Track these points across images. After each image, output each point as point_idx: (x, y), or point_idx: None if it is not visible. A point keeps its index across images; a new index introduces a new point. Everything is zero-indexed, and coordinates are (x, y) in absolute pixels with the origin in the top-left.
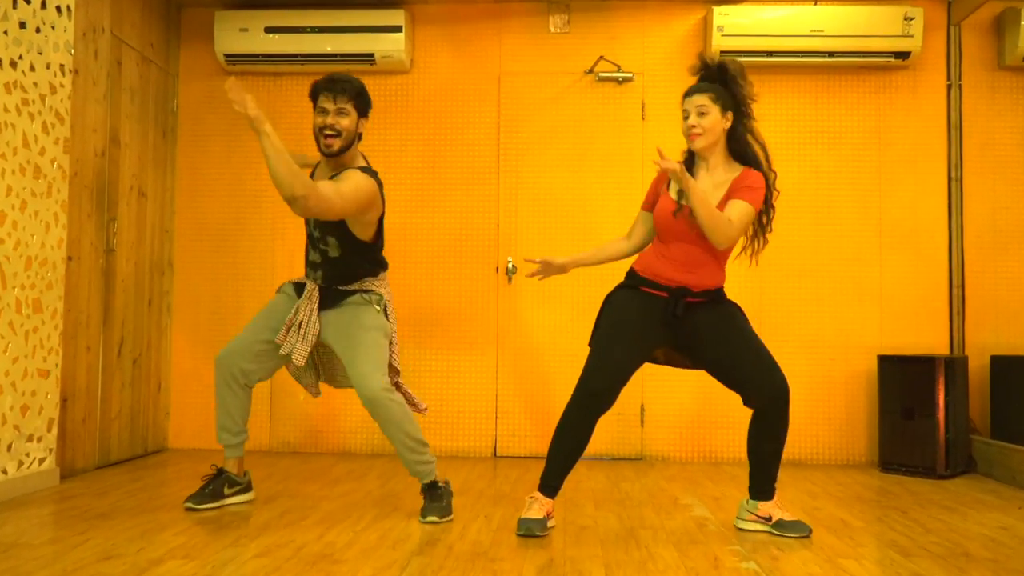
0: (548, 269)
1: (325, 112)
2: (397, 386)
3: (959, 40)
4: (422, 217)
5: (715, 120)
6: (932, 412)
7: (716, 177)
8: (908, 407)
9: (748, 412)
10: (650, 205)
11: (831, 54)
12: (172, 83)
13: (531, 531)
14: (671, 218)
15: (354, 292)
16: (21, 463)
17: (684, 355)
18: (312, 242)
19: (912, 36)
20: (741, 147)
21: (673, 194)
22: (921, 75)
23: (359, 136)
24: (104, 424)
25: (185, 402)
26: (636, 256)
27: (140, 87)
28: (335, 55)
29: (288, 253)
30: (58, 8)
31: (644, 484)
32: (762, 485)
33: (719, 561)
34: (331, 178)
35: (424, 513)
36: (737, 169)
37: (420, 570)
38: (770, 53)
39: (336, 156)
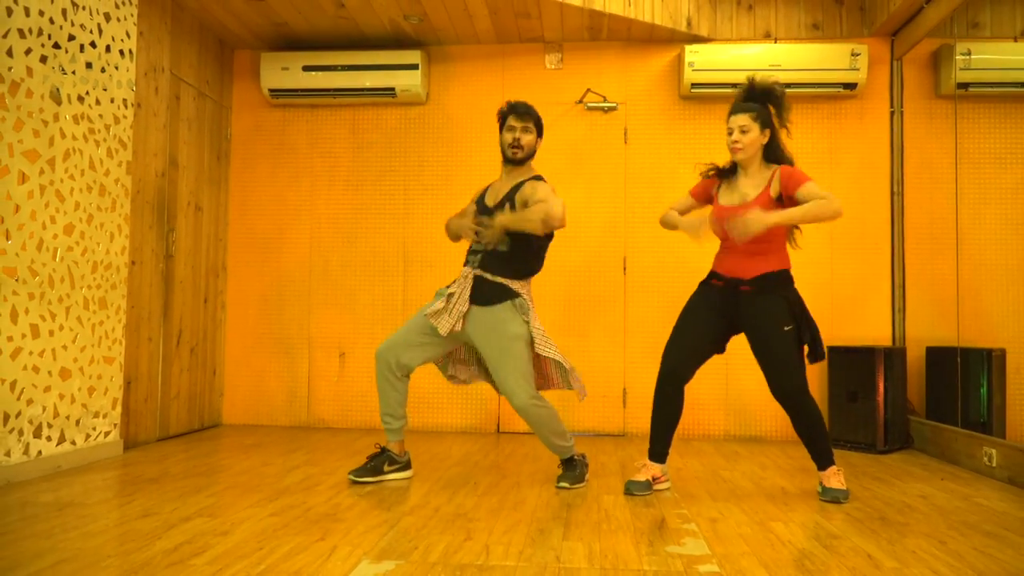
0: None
1: (513, 129)
2: (552, 381)
3: (900, 73)
4: (437, 228)
5: (755, 137)
6: (873, 395)
7: (754, 179)
8: (852, 391)
9: (716, 395)
10: (700, 199)
11: (788, 85)
12: (226, 114)
13: (630, 491)
14: (721, 224)
15: (502, 287)
16: (88, 436)
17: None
18: (472, 249)
19: (859, 70)
20: (775, 155)
21: (723, 200)
22: (867, 103)
23: (534, 152)
24: (164, 403)
25: (237, 384)
26: None
27: (196, 117)
28: (362, 89)
29: (323, 258)
30: (121, 51)
31: (620, 457)
32: (814, 459)
33: (665, 523)
34: (513, 184)
35: (559, 480)
36: (771, 168)
37: (405, 528)
38: (735, 85)
39: (519, 164)
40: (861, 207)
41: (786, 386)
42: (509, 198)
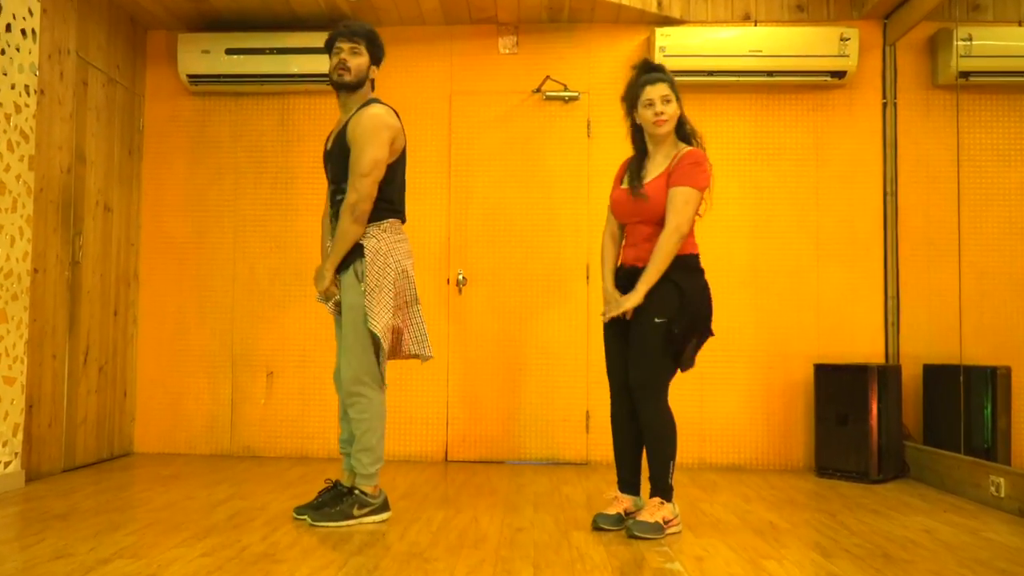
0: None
1: (340, 51)
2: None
3: (894, 60)
4: None
5: (676, 108)
6: (865, 418)
7: (659, 159)
8: (842, 413)
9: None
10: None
11: (770, 73)
12: (138, 103)
13: (597, 525)
14: (629, 201)
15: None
16: None
17: None
18: (331, 196)
19: (848, 56)
20: (684, 130)
21: (624, 183)
22: (857, 93)
23: (372, 82)
24: (70, 429)
25: (150, 408)
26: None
27: (106, 106)
28: (293, 75)
29: (248, 265)
30: (23, 31)
31: (585, 487)
32: (650, 477)
33: (645, 561)
34: (347, 118)
35: (305, 509)
36: (680, 147)
37: (356, 570)
38: (711, 72)
39: (349, 89)
40: (851, 209)
41: (635, 378)
42: (340, 142)
